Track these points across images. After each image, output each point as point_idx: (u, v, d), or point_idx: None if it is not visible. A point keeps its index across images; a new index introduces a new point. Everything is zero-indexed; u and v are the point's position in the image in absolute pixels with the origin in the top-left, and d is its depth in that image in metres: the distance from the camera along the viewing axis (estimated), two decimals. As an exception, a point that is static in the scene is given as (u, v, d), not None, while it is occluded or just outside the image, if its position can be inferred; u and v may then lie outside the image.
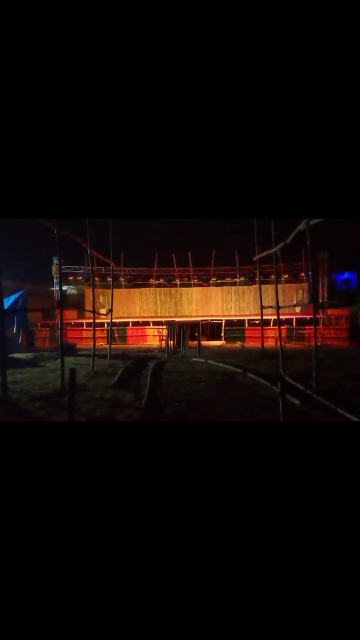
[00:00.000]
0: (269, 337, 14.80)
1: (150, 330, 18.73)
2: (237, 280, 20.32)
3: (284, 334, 15.38)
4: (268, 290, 17.51)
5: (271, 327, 16.22)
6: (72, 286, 19.66)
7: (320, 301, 16.04)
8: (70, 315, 18.60)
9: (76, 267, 19.09)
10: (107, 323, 15.67)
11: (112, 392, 7.08)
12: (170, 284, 20.81)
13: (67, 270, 17.58)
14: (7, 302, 14.16)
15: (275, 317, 11.49)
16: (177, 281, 20.76)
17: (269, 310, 13.04)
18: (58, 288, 17.89)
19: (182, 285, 20.91)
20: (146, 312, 20.58)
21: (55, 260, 17.30)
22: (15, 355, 13.22)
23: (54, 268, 17.31)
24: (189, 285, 20.88)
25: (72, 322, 18.19)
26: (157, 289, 20.97)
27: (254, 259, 12.61)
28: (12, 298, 15.29)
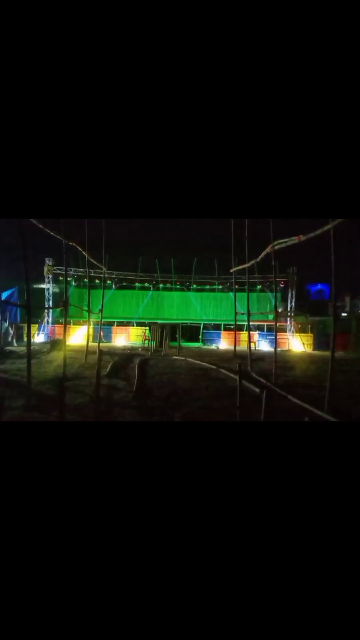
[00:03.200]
0: (241, 340, 16.47)
1: (134, 330, 20.08)
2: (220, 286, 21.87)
3: (254, 339, 17.10)
4: (244, 298, 19.19)
5: (244, 331, 17.89)
6: (54, 285, 20.62)
7: (288, 310, 17.86)
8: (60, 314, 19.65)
9: (60, 267, 20.09)
10: (94, 322, 16.86)
11: (106, 380, 8.42)
12: (153, 287, 22.15)
13: (58, 271, 18.66)
14: (3, 297, 15.19)
15: (249, 323, 13.16)
16: (160, 285, 22.14)
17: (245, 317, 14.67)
18: (48, 287, 18.98)
19: (165, 289, 22.31)
20: (129, 314, 21.85)
21: (47, 261, 18.37)
22: (10, 348, 14.31)
23: (46, 268, 18.37)
24: (170, 290, 22.30)
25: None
26: (140, 292, 22.28)
27: (231, 271, 14.24)
28: (5, 294, 16.28)
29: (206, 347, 18.57)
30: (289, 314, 17.77)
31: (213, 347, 18.51)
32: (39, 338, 18.25)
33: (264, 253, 9.50)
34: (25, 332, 17.61)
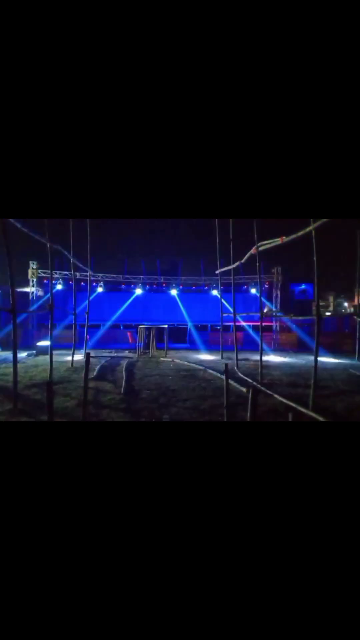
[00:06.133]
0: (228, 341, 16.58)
1: (121, 333, 20.02)
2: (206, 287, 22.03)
3: (241, 339, 17.26)
4: (230, 299, 19.35)
5: (230, 332, 18.02)
6: (39, 288, 20.38)
7: (273, 310, 18.09)
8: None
9: (45, 270, 19.90)
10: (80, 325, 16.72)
11: (94, 383, 8.39)
12: (140, 289, 22.14)
13: (42, 275, 18.46)
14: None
15: (235, 324, 13.27)
16: (147, 287, 22.14)
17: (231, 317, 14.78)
18: (32, 290, 18.75)
19: (151, 291, 22.30)
20: (115, 316, 21.77)
21: (32, 264, 18.15)
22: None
23: (30, 271, 18.16)
24: (157, 291, 22.31)
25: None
26: (127, 294, 22.22)
27: (216, 272, 14.37)
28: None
29: (193, 348, 18.64)
30: (273, 313, 18.00)
31: (200, 348, 18.59)
32: (25, 342, 17.99)
33: (248, 254, 9.65)
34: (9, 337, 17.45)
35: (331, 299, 29.88)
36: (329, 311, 27.99)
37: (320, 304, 21.10)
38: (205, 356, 14.58)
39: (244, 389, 7.60)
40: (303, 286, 36.91)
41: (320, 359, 7.24)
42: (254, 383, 8.36)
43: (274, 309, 18.20)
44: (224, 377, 8.06)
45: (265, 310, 15.53)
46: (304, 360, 13.80)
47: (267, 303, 18.62)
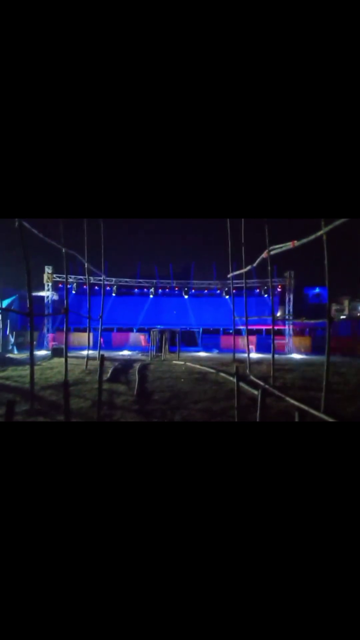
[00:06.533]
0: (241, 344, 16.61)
1: (134, 336, 20.25)
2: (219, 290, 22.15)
3: (254, 343, 17.26)
4: (243, 303, 19.41)
5: (242, 336, 18.05)
6: (54, 292, 20.83)
7: (286, 314, 18.04)
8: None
9: (59, 275, 20.32)
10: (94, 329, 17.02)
11: (107, 385, 8.56)
12: (152, 294, 22.38)
13: (57, 279, 18.86)
14: (3, 305, 15.37)
15: (247, 327, 13.33)
16: (159, 291, 22.35)
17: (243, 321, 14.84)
18: (48, 295, 19.17)
19: (164, 295, 22.52)
20: (129, 320, 22.05)
21: (47, 269, 18.57)
22: (10, 355, 14.44)
23: (45, 276, 18.57)
24: (169, 295, 22.52)
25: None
26: (140, 298, 22.49)
27: (228, 276, 14.44)
28: (5, 303, 16.47)
29: (205, 352, 18.71)
30: (286, 317, 17.95)
31: (214, 352, 18.66)
32: (40, 346, 18.39)
33: (259, 258, 9.72)
34: (25, 340, 17.86)
35: (346, 302, 29.56)
36: (344, 315, 27.67)
37: (335, 307, 20.95)
38: (217, 359, 14.62)
39: (255, 392, 7.64)
40: (317, 290, 36.55)
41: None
42: (265, 386, 8.39)
43: (286, 313, 18.14)
44: (235, 380, 8.12)
45: (278, 314, 15.50)
46: (316, 363, 13.71)
47: (280, 307, 18.59)
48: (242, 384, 6.98)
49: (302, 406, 6.27)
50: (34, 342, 6.66)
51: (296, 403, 6.56)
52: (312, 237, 6.64)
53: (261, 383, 8.74)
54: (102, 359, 5.44)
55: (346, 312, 29.16)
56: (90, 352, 12.70)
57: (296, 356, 16.04)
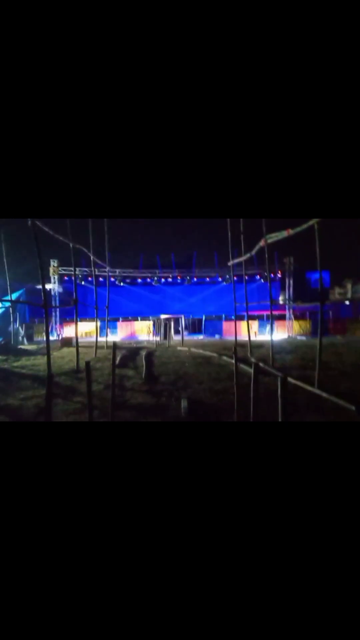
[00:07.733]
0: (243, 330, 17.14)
1: (138, 325, 20.84)
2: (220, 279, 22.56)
3: (254, 328, 17.77)
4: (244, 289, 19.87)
5: (244, 321, 18.55)
6: (59, 285, 21.35)
7: (286, 299, 18.50)
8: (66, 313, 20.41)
9: (70, 268, 20.85)
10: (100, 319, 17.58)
11: (117, 370, 9.12)
12: (155, 282, 22.85)
13: (62, 272, 19.37)
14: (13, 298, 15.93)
15: (248, 313, 13.81)
16: (162, 280, 22.82)
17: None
18: (54, 287, 19.70)
19: (166, 284, 22.98)
20: (133, 309, 22.60)
21: (53, 262, 19.07)
22: (22, 346, 15.07)
23: (51, 269, 19.09)
24: (172, 284, 22.98)
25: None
26: (143, 287, 22.99)
27: (229, 264, 14.87)
28: (14, 295, 17.02)
29: (208, 338, 19.26)
30: (287, 302, 18.41)
31: (216, 337, 19.21)
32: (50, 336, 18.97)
33: (257, 247, 10.14)
34: (34, 331, 18.49)
35: (349, 285, 29.79)
36: (346, 298, 27.94)
37: (338, 290, 21.29)
38: (220, 345, 15.17)
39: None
40: (318, 274, 36.50)
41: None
42: (265, 366, 8.92)
43: (286, 298, 18.60)
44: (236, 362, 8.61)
45: (279, 299, 15.96)
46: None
47: (281, 292, 19.02)
48: (242, 365, 7.51)
49: (298, 383, 6.80)
50: (48, 332, 7.19)
51: (292, 380, 7.09)
52: (305, 226, 7.08)
53: (261, 364, 9.27)
54: (114, 345, 5.99)
55: (349, 294, 29.44)
56: (100, 339, 13.27)
57: (297, 338, 16.54)
